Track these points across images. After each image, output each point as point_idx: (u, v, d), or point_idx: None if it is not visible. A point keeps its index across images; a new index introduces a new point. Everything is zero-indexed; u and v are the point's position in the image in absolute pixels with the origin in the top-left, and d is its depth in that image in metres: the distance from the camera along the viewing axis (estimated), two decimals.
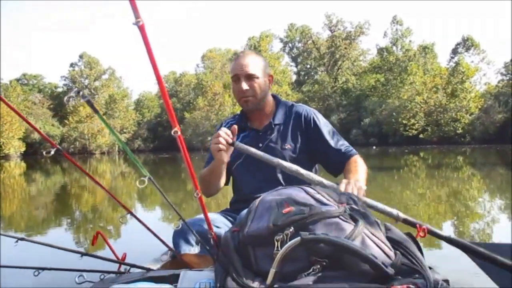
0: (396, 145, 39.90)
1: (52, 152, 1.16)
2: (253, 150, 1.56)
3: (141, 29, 0.80)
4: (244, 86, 1.80)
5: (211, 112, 47.99)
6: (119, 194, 9.96)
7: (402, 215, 1.37)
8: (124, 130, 53.89)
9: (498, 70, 43.94)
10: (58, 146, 1.18)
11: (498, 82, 43.54)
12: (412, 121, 41.38)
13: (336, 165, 1.86)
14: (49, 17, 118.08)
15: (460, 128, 39.34)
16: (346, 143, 1.90)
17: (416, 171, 14.00)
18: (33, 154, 46.25)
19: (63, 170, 22.78)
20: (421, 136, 40.98)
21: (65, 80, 59.11)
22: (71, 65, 58.74)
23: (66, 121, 50.64)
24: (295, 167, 1.54)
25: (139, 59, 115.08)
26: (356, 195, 1.30)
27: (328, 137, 1.88)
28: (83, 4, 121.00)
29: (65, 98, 0.94)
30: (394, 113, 42.71)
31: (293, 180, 1.66)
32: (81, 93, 0.90)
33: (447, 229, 4.79)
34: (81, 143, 50.25)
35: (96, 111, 1.00)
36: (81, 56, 58.09)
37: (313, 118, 1.90)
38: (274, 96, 1.99)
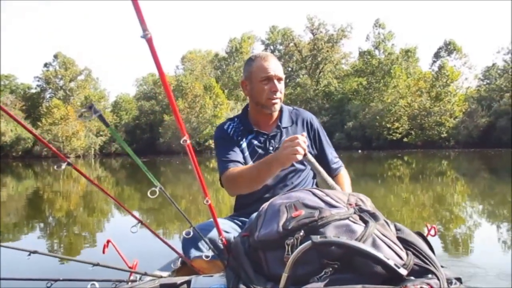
0: (380, 149, 40.01)
1: (64, 166, 1.08)
2: (319, 167, 1.59)
3: (149, 41, 0.79)
4: (277, 87, 1.84)
5: (191, 115, 47.02)
6: (95, 200, 9.68)
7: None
8: (101, 133, 52.29)
9: (476, 76, 44.50)
10: (68, 160, 1.09)
11: (476, 87, 44.02)
12: (396, 124, 41.54)
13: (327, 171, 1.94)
14: (23, 16, 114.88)
15: (444, 132, 39.66)
16: (335, 153, 2.03)
17: (400, 175, 14.06)
18: (3, 158, 44.39)
19: (35, 174, 21.85)
20: (405, 139, 41.16)
21: (38, 80, 56.82)
22: (45, 65, 56.40)
23: (39, 123, 48.60)
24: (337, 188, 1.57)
25: (116, 60, 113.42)
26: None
27: (326, 144, 1.99)
28: (59, 3, 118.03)
29: (78, 114, 0.98)
30: (377, 117, 42.86)
31: (299, 183, 1.81)
32: (92, 108, 0.87)
33: (441, 230, 4.82)
34: (55, 146, 47.91)
35: (107, 125, 0.96)
36: (55, 56, 56.00)
37: (316, 125, 1.99)
38: None
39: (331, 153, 2.00)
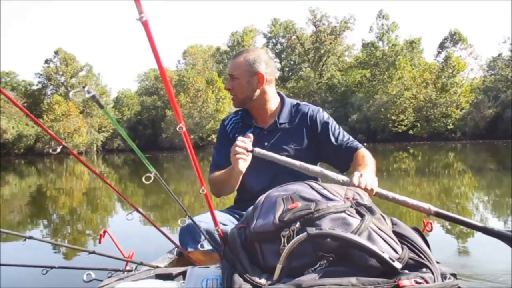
0: (385, 142, 39.46)
1: (59, 150, 1.13)
2: (273, 155, 1.61)
3: (145, 25, 0.79)
4: (227, 85, 1.95)
5: (193, 109, 46.72)
6: (98, 196, 9.75)
7: (433, 208, 1.43)
8: (103, 129, 52.16)
9: (480, 66, 43.92)
10: (64, 143, 1.16)
11: (480, 77, 43.52)
12: (401, 117, 40.97)
13: (343, 161, 1.91)
14: (24, 12, 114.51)
15: (450, 124, 39.08)
16: (351, 138, 1.96)
17: (406, 168, 13.93)
18: (5, 155, 44.21)
19: (38, 171, 21.75)
20: (410, 132, 40.60)
21: (39, 77, 56.71)
22: (46, 61, 56.19)
23: (41, 120, 48.28)
24: (318, 168, 1.59)
25: (118, 56, 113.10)
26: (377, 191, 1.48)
27: (334, 135, 1.93)
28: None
29: (71, 93, 0.90)
30: (382, 109, 42.34)
31: (301, 177, 1.68)
32: (86, 88, 0.87)
33: (437, 226, 4.78)
34: (56, 143, 47.86)
35: (101, 107, 0.96)
36: (56, 52, 55.71)
37: (319, 118, 1.95)
38: (280, 95, 2.03)
39: (343, 141, 1.92)
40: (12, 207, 8.47)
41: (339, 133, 1.94)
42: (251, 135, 1.63)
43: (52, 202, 9.35)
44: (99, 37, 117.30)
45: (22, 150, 46.65)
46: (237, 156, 1.58)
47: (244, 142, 1.58)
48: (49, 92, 56.12)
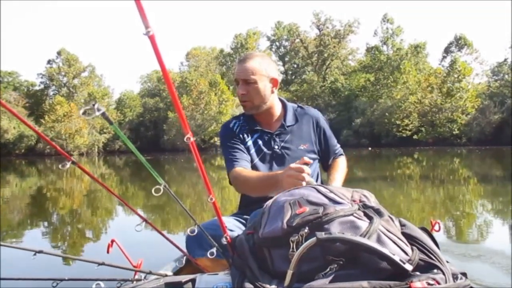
0: (390, 146, 39.28)
1: (68, 165, 1.09)
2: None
3: (151, 39, 0.79)
4: (241, 90, 1.89)
5: (196, 111, 46.58)
6: (99, 198, 9.67)
7: None
8: (104, 130, 51.95)
9: (485, 72, 43.64)
10: (72, 158, 1.12)
11: (485, 82, 43.23)
12: (406, 121, 40.69)
13: (327, 162, 2.07)
14: (27, 11, 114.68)
15: (456, 129, 38.69)
16: (337, 144, 2.12)
17: (410, 174, 13.83)
18: (6, 155, 44.03)
19: (38, 171, 22.09)
20: (415, 137, 40.30)
21: (42, 77, 56.91)
22: (49, 62, 56.38)
23: (42, 120, 48.29)
24: None
25: (121, 57, 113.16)
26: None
27: (330, 139, 2.06)
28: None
29: (81, 111, 0.89)
30: (386, 113, 42.10)
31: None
32: (96, 105, 0.86)
33: (441, 233, 4.75)
34: (58, 144, 47.34)
35: (111, 123, 0.97)
36: (59, 53, 55.85)
37: (321, 121, 2.03)
38: (280, 99, 2.04)
39: (334, 145, 2.08)
40: (12, 207, 8.40)
41: (332, 137, 2.08)
42: (306, 159, 1.52)
43: (53, 203, 9.23)
44: (102, 38, 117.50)
45: (23, 151, 46.48)
46: (298, 181, 1.43)
47: (309, 175, 1.46)
48: (51, 93, 56.18)
